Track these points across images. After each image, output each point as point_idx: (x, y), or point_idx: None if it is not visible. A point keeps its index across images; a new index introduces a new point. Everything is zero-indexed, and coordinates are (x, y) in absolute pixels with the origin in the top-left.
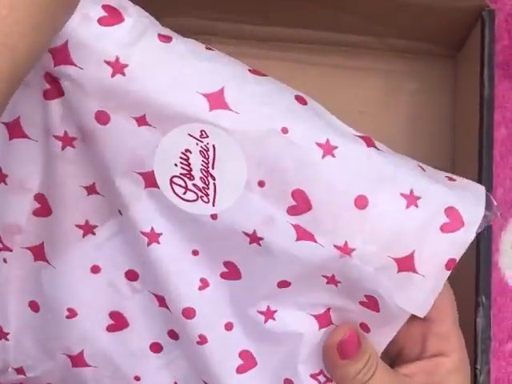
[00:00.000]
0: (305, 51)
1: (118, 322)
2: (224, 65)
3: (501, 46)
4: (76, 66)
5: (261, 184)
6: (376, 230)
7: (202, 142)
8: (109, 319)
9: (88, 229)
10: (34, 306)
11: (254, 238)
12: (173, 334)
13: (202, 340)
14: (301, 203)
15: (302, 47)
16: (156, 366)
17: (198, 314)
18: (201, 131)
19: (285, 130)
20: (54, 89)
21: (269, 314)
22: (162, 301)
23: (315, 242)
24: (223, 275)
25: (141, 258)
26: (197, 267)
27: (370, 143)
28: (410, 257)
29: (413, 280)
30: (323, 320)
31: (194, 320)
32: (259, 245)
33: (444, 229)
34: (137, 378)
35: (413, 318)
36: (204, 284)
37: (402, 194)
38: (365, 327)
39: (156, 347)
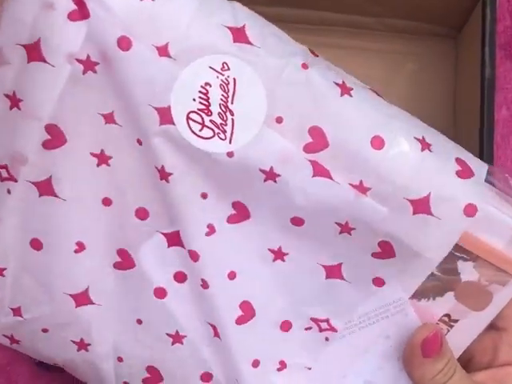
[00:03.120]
0: (304, 32)
1: (124, 261)
2: (243, 9)
3: (503, 26)
4: None
5: (278, 120)
6: (392, 170)
7: (222, 74)
8: (116, 256)
9: (103, 159)
10: (35, 244)
11: (271, 175)
12: (180, 277)
13: (204, 285)
14: (318, 140)
15: (302, 27)
16: (158, 307)
17: (201, 259)
18: (222, 63)
19: (305, 66)
20: (80, 10)
21: (279, 255)
22: (172, 240)
23: (331, 179)
24: (230, 219)
25: (152, 193)
26: (205, 212)
27: (377, 94)
28: (426, 199)
29: (428, 222)
30: (332, 272)
31: (198, 263)
32: (275, 181)
33: (459, 174)
34: (139, 321)
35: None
36: (211, 230)
37: (415, 138)
38: (379, 281)
39: (160, 292)
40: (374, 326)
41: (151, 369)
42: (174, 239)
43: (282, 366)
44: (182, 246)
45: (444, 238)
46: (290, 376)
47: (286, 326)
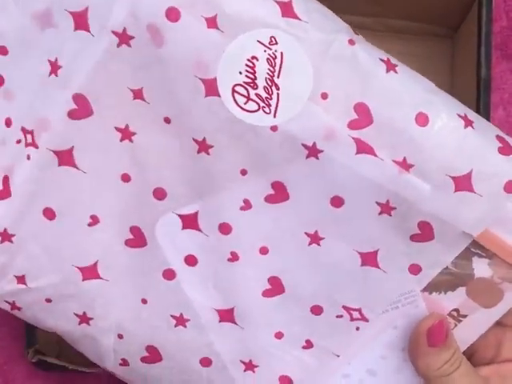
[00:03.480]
0: None
1: (137, 238)
2: None
3: (499, 26)
4: None
5: (324, 96)
6: (436, 147)
7: (270, 49)
8: (129, 233)
9: (126, 134)
10: (48, 214)
11: (313, 151)
12: (191, 261)
13: (234, 257)
14: (363, 117)
15: None
16: (165, 289)
17: (234, 232)
18: (270, 37)
19: (351, 42)
20: None
21: (315, 239)
22: (187, 222)
23: (375, 155)
24: (268, 199)
25: (175, 173)
26: (242, 187)
27: None
28: (468, 176)
29: (469, 199)
30: (368, 259)
31: (229, 236)
32: (317, 158)
33: (500, 151)
34: (144, 301)
35: None
36: (247, 205)
37: (458, 115)
38: (415, 268)
39: (169, 274)
40: (384, 315)
41: (151, 348)
42: (189, 221)
43: (309, 344)
44: (198, 229)
45: (484, 215)
46: (317, 355)
47: (316, 310)
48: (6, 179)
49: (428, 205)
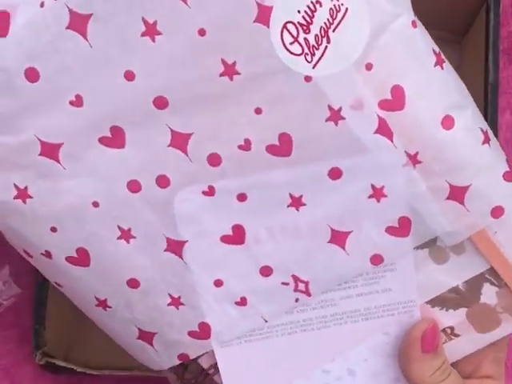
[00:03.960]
0: None
1: (114, 138)
2: None
3: (506, 31)
4: None
5: (368, 67)
6: (450, 153)
7: (338, 0)
8: (107, 131)
9: (151, 31)
10: (31, 74)
11: (335, 116)
12: (163, 181)
13: (210, 191)
14: (396, 100)
15: None
16: (124, 200)
17: (220, 167)
18: None
19: (414, 24)
20: None
21: (296, 203)
22: (176, 140)
23: (391, 141)
24: (270, 148)
25: (188, 91)
26: (251, 125)
27: None
28: (465, 189)
29: (456, 210)
30: (337, 237)
31: (214, 169)
32: (336, 124)
33: (505, 176)
34: (95, 204)
35: None
36: (246, 145)
37: (481, 129)
38: (377, 259)
39: (134, 186)
40: (378, 319)
41: (82, 251)
42: (179, 141)
43: (243, 301)
44: (185, 152)
45: (463, 229)
46: (246, 315)
47: (265, 271)
48: (5, 15)
49: (417, 202)
